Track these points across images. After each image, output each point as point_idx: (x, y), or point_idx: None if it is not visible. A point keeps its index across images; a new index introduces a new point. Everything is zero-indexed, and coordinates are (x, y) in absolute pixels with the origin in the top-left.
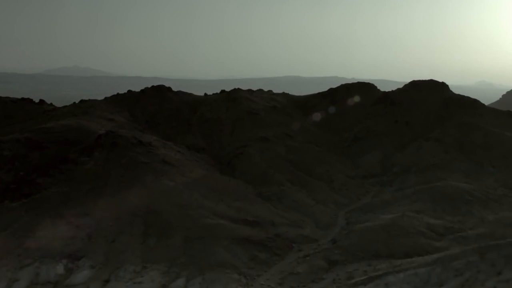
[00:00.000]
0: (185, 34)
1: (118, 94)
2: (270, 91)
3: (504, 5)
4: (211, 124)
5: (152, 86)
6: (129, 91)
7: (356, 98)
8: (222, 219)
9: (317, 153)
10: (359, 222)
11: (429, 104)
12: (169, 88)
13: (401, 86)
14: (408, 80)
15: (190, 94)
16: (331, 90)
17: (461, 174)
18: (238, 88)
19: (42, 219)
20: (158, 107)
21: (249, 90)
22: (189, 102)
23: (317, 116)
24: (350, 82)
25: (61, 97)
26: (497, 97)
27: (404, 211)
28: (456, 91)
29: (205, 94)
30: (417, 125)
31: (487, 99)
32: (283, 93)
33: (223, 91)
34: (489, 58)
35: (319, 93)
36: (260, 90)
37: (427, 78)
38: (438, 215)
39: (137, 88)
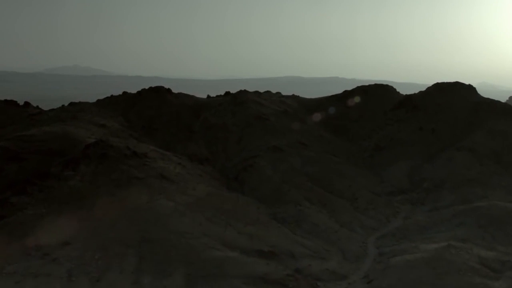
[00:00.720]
0: (186, 34)
1: (112, 96)
2: (278, 93)
3: (505, 6)
4: (215, 130)
5: (150, 88)
6: (124, 92)
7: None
8: (232, 250)
9: (336, 165)
10: (395, 253)
11: (456, 109)
12: (168, 90)
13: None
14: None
15: (192, 97)
16: (346, 93)
17: (503, 190)
18: (245, 90)
19: (13, 250)
20: (156, 111)
21: (256, 92)
22: (191, 106)
23: (332, 122)
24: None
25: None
26: (500, 99)
27: (448, 239)
28: None
29: (208, 96)
30: (444, 132)
31: None
32: (293, 95)
33: (228, 93)
34: (489, 59)
35: (332, 96)
36: (268, 92)
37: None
38: (489, 245)
39: (138, 88)
